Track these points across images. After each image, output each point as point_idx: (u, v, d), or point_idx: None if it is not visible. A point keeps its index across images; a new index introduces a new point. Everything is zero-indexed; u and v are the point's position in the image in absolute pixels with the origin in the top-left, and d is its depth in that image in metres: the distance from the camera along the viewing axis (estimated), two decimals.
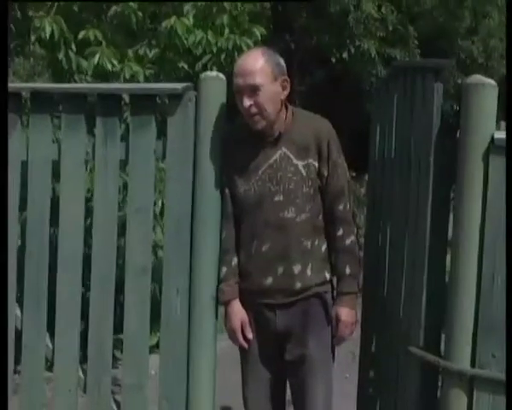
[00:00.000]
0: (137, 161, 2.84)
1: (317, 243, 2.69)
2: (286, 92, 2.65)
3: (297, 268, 2.66)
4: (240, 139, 2.72)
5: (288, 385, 2.85)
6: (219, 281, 2.75)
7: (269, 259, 2.66)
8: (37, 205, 2.95)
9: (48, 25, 4.69)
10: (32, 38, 4.86)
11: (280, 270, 2.66)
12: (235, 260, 2.73)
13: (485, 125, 2.21)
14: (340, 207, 2.68)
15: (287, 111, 2.69)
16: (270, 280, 2.67)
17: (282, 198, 2.64)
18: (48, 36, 4.70)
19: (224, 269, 2.73)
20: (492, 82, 2.22)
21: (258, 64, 2.58)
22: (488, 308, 2.22)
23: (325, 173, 2.66)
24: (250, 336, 2.73)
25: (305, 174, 2.64)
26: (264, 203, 2.65)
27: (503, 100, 2.30)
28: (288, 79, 2.66)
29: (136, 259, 2.85)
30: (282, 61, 2.66)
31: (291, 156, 2.64)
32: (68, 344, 2.94)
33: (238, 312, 2.73)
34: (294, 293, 2.67)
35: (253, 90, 2.56)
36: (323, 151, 2.64)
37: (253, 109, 2.58)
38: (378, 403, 3.01)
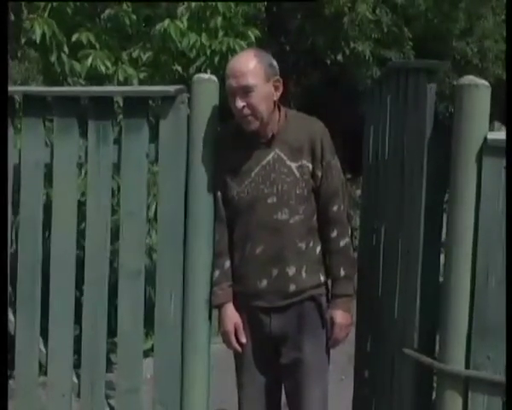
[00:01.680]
0: (130, 163, 2.83)
1: (311, 244, 2.68)
2: (279, 93, 2.65)
3: (291, 270, 2.65)
4: (232, 141, 2.71)
5: (283, 389, 2.84)
6: (212, 284, 2.73)
7: (263, 261, 2.65)
8: (29, 208, 2.94)
9: (38, 27, 4.67)
10: (23, 40, 4.84)
11: (274, 272, 2.65)
12: (227, 263, 2.72)
13: (479, 125, 2.21)
14: (335, 208, 2.67)
15: (280, 112, 2.69)
16: (264, 283, 2.66)
17: (275, 200, 2.62)
18: (38, 38, 4.68)
19: (217, 272, 2.72)
20: (485, 82, 2.22)
21: (250, 65, 2.57)
22: (482, 310, 2.21)
23: (319, 174, 2.65)
24: (243, 340, 2.71)
25: (298, 175, 2.63)
26: (258, 205, 2.64)
27: (499, 101, 2.30)
28: (281, 80, 2.65)
29: (129, 262, 2.84)
30: (274, 62, 2.65)
31: (284, 158, 2.63)
32: (62, 349, 2.93)
33: (232, 315, 2.72)
34: (289, 295, 2.66)
35: (246, 91, 2.56)
36: (317, 152, 2.64)
37: (246, 110, 2.57)
38: (373, 405, 3.00)
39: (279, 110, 2.68)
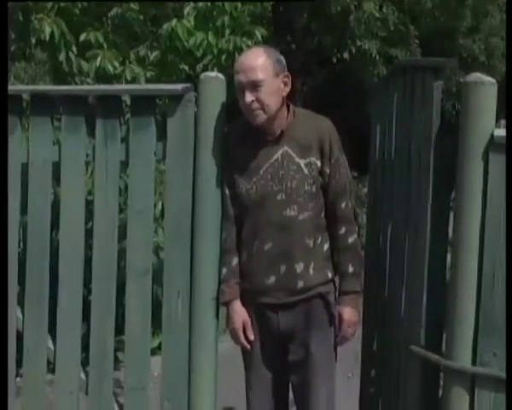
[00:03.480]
0: (138, 162, 2.84)
1: (319, 241, 2.69)
2: (287, 89, 2.66)
3: (299, 267, 2.65)
4: (241, 138, 2.71)
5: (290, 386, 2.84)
6: (220, 281, 2.74)
7: (271, 258, 2.65)
8: (37, 207, 2.95)
9: (47, 26, 4.69)
10: (32, 40, 4.86)
11: (282, 269, 2.65)
12: (235, 261, 2.73)
13: (485, 122, 2.21)
14: (343, 205, 2.69)
15: (288, 110, 2.70)
16: (272, 279, 2.66)
17: (284, 197, 2.63)
18: (48, 38, 4.69)
19: (224, 270, 2.73)
20: (492, 80, 2.22)
21: (259, 60, 2.58)
22: (489, 307, 2.21)
23: (327, 171, 2.66)
24: (252, 336, 2.72)
25: (307, 172, 2.64)
26: (267, 202, 2.64)
27: (505, 98, 2.30)
28: (290, 76, 2.66)
29: (136, 261, 2.85)
30: (282, 59, 2.67)
31: (293, 155, 2.64)
32: (70, 346, 2.94)
33: (240, 312, 2.72)
34: (296, 292, 2.67)
35: (255, 85, 2.57)
36: (325, 149, 2.65)
37: (255, 105, 2.58)
38: (380, 402, 3.00)
39: (288, 107, 2.69)
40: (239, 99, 2.62)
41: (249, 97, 2.57)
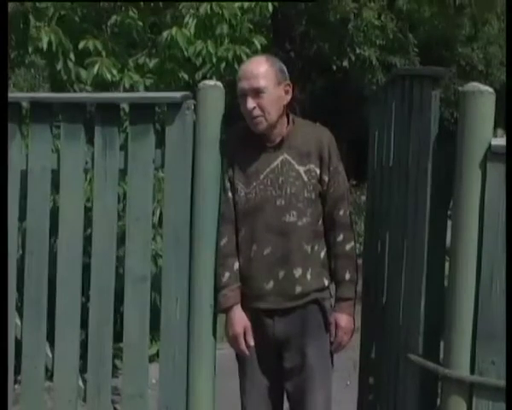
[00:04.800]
0: (136, 169, 2.84)
1: (316, 248, 2.70)
2: (288, 97, 2.69)
3: (298, 272, 2.66)
4: (242, 143, 2.73)
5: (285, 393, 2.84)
6: (221, 286, 2.72)
7: (270, 263, 2.66)
8: (36, 214, 2.96)
9: (45, 35, 4.68)
10: (30, 48, 4.85)
11: (281, 274, 2.66)
12: (236, 265, 2.72)
13: (483, 131, 2.21)
14: (341, 212, 2.71)
15: (288, 118, 2.72)
16: (271, 284, 2.67)
17: (283, 202, 2.65)
18: (45, 46, 4.68)
19: (227, 274, 2.71)
20: (489, 89, 2.22)
21: (262, 68, 2.62)
22: (487, 315, 2.22)
23: (326, 179, 2.68)
24: (252, 342, 2.71)
25: (306, 179, 2.66)
26: (266, 207, 2.66)
27: (502, 107, 2.31)
28: (291, 85, 2.70)
29: (135, 268, 2.85)
30: (284, 68, 2.71)
31: (292, 162, 2.67)
32: (68, 353, 2.94)
33: (241, 317, 2.71)
34: (294, 297, 2.67)
35: (257, 92, 2.60)
36: (324, 158, 2.67)
37: (257, 112, 2.61)
38: None
39: (287, 116, 2.72)
40: (241, 106, 2.65)
41: (251, 104, 2.60)
